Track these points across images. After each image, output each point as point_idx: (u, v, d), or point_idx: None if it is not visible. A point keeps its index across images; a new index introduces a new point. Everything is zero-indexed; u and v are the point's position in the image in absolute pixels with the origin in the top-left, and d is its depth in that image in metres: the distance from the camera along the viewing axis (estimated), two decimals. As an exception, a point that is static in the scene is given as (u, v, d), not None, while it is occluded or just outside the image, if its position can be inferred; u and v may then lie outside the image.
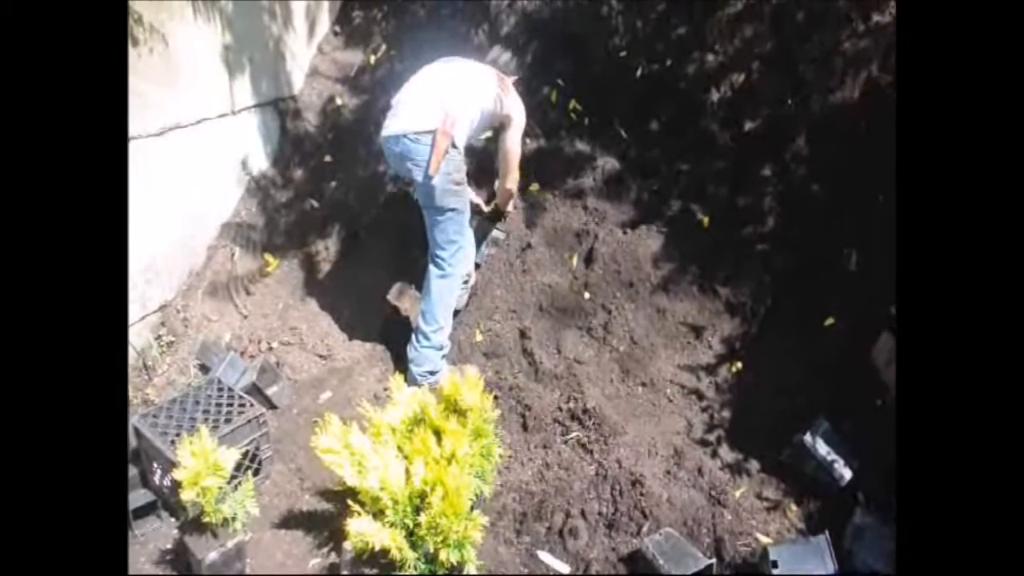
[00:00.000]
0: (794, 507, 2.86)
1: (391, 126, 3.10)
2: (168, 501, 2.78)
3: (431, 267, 3.21)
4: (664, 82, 4.01)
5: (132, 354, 3.30)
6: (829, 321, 3.30)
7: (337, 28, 4.48)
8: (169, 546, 2.69)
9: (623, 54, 4.07)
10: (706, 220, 3.67)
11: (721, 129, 3.88)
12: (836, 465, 2.88)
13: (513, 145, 3.26)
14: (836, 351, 3.25)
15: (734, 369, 3.31)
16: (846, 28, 3.74)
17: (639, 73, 4.03)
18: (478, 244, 3.56)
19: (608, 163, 3.92)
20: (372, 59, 4.30)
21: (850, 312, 3.30)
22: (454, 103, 3.04)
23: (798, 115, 3.74)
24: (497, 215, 3.64)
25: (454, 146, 3.02)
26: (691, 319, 3.47)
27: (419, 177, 3.04)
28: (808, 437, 2.91)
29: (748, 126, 3.85)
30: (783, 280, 3.48)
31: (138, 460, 2.92)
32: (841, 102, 3.67)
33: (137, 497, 2.79)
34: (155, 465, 2.77)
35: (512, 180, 3.39)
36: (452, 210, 3.09)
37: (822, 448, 2.90)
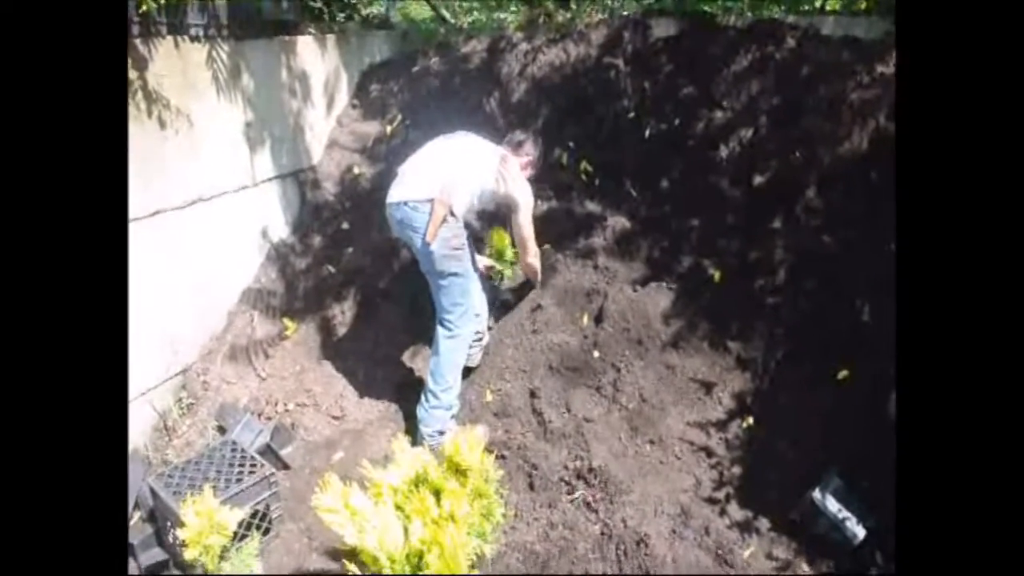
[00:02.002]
0: (806, 567, 2.76)
1: (393, 194, 3.21)
2: (179, 560, 2.84)
3: (439, 328, 3.27)
4: (673, 140, 4.08)
5: (154, 416, 3.42)
6: (843, 374, 3.23)
7: (355, 101, 4.68)
8: (178, 606, 2.74)
9: (631, 115, 4.17)
10: (717, 275, 3.67)
11: (731, 184, 3.91)
12: (848, 523, 2.78)
13: (524, 228, 3.37)
14: (851, 405, 3.18)
15: (745, 425, 3.25)
16: (851, 79, 3.77)
17: (648, 133, 4.11)
18: (489, 306, 3.63)
19: (618, 222, 3.97)
20: (388, 129, 4.48)
21: (864, 365, 3.24)
22: (452, 175, 3.15)
23: (807, 167, 3.75)
24: (529, 287, 3.80)
25: (452, 214, 3.10)
26: (701, 375, 3.44)
27: (419, 243, 3.13)
28: (818, 494, 2.83)
29: (757, 180, 3.86)
30: (795, 333, 3.44)
31: (154, 519, 3.01)
32: (849, 152, 3.67)
33: (150, 556, 2.88)
34: (169, 524, 2.85)
35: (532, 255, 3.52)
36: (453, 274, 3.16)
37: (832, 505, 2.81)
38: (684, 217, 3.92)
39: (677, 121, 4.11)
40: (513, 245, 3.70)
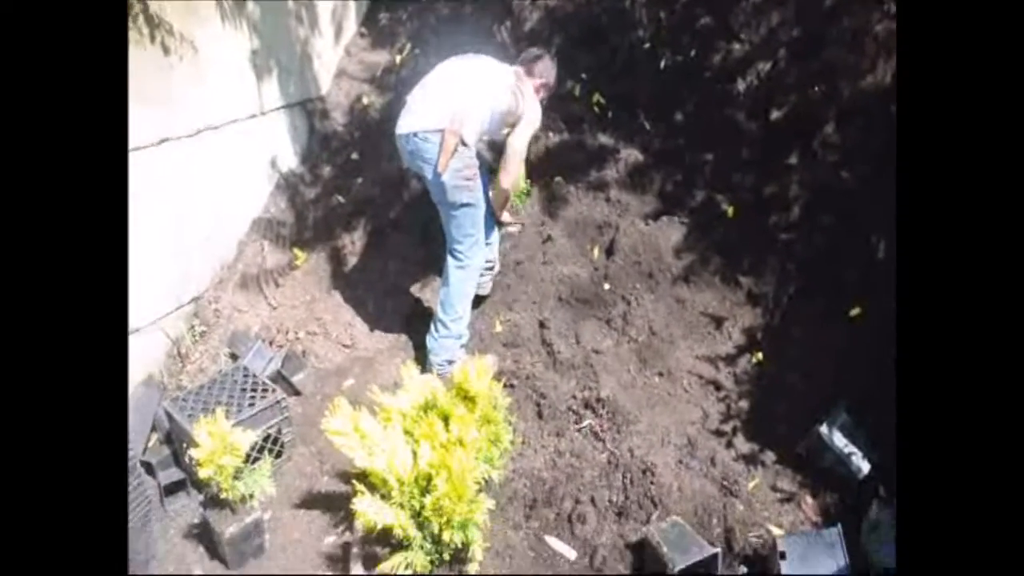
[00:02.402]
0: (810, 500, 2.80)
1: (403, 124, 3.13)
2: (195, 479, 2.90)
3: (449, 259, 3.25)
4: (689, 73, 3.98)
5: (167, 343, 3.46)
6: (855, 311, 3.22)
7: (363, 30, 4.59)
8: (196, 521, 2.82)
9: (647, 46, 4.07)
10: (730, 210, 3.63)
11: (747, 118, 3.83)
12: (854, 458, 2.81)
13: (517, 142, 3.16)
14: (862, 342, 3.17)
15: (755, 360, 3.26)
16: (876, 10, 3.65)
17: (663, 64, 4.02)
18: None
19: (631, 155, 3.91)
20: (397, 59, 4.39)
21: (877, 302, 3.21)
22: (463, 102, 3.03)
23: (826, 101, 3.66)
24: (496, 220, 3.51)
25: (464, 143, 3.03)
26: (712, 310, 3.44)
27: (430, 175, 3.08)
28: (825, 429, 2.84)
29: (775, 114, 3.79)
30: (808, 270, 3.41)
31: (170, 441, 3.08)
32: (872, 86, 3.58)
33: (169, 475, 2.95)
34: (184, 445, 2.90)
35: (508, 179, 3.24)
36: (465, 205, 3.11)
37: (839, 440, 2.83)
38: (698, 151, 3.86)
39: (693, 52, 4.01)
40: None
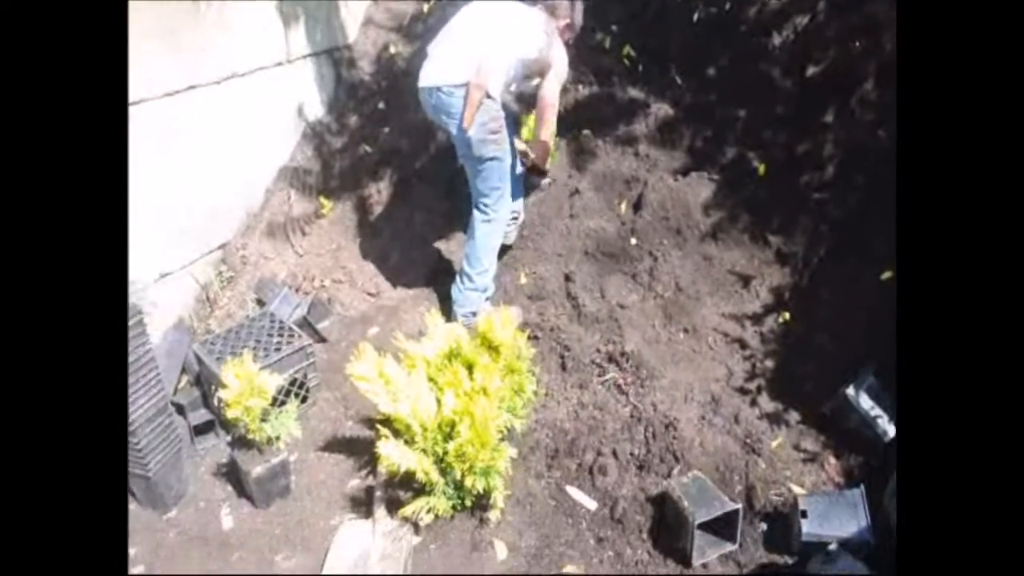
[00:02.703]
0: (833, 460, 2.78)
1: (425, 77, 3.07)
2: (224, 420, 2.95)
3: (475, 212, 3.23)
4: (722, 26, 3.89)
5: (196, 287, 3.49)
6: (887, 275, 3.15)
7: (392, -24, 4.51)
8: (224, 460, 2.88)
9: (680, -2, 3.96)
10: (762, 168, 3.56)
11: (782, 74, 3.74)
12: (880, 421, 2.78)
13: (550, 95, 3.12)
14: (892, 306, 3.10)
15: (782, 320, 3.23)
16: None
17: (696, 17, 3.93)
18: (525, 185, 3.55)
19: (661, 109, 3.84)
20: (425, 7, 4.32)
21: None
22: (489, 53, 2.95)
23: (866, 56, 3.55)
24: (537, 171, 3.50)
25: (489, 96, 2.97)
26: (739, 268, 3.40)
27: (454, 130, 3.03)
28: (851, 390, 2.81)
29: (811, 70, 3.69)
30: (840, 230, 3.35)
31: (199, 383, 3.13)
32: (916, 40, 3.46)
33: (198, 416, 3.01)
34: (213, 387, 2.95)
35: (548, 133, 3.23)
36: (492, 159, 3.07)
37: (866, 402, 2.80)
38: (730, 107, 3.78)
39: (728, 5, 3.91)
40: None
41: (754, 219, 3.48)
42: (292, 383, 2.95)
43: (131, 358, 2.48)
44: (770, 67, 3.77)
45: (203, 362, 2.99)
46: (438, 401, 2.52)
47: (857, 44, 3.61)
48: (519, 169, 3.36)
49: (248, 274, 3.55)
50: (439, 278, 3.58)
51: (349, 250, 3.71)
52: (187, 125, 3.30)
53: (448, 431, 2.50)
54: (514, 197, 3.36)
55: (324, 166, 3.98)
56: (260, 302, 3.48)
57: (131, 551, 2.53)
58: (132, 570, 2.50)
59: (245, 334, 3.10)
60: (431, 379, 2.66)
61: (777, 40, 3.79)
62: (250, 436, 2.61)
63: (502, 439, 2.58)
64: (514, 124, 3.36)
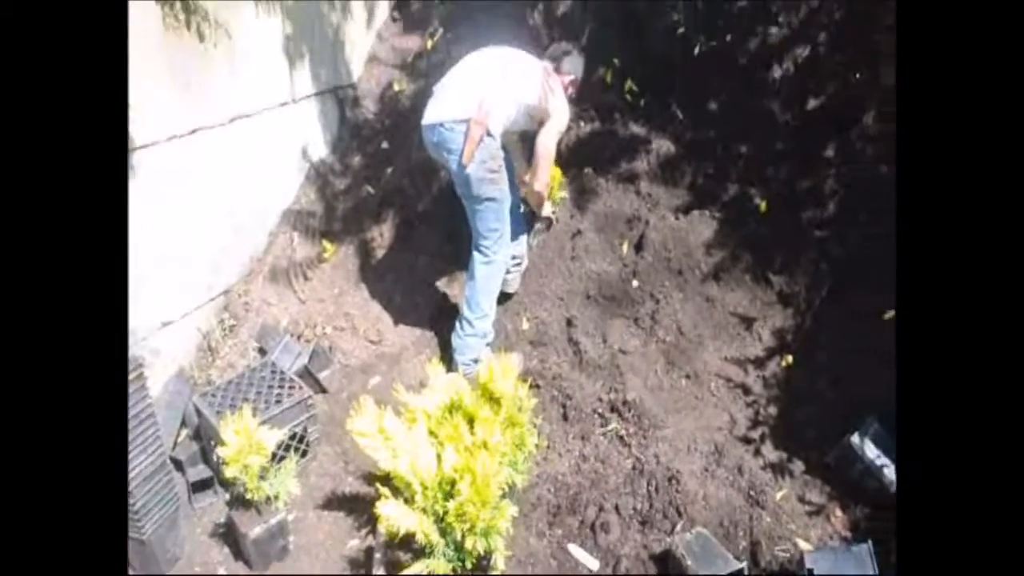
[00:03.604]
0: (839, 513, 2.74)
1: (429, 115, 3.10)
2: (222, 477, 2.95)
3: (475, 254, 3.22)
4: (723, 59, 3.86)
5: (197, 336, 3.50)
6: (890, 314, 3.12)
7: (395, 14, 4.52)
8: (221, 520, 2.87)
9: (680, 31, 3.94)
10: (763, 204, 3.54)
11: (783, 108, 3.72)
12: (886, 470, 2.73)
13: (547, 142, 3.12)
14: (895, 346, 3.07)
15: (784, 363, 3.20)
16: (925, -9, 3.48)
17: (697, 51, 3.90)
18: (529, 229, 3.55)
19: (663, 145, 3.82)
20: (429, 44, 4.32)
21: (914, 304, 3.11)
22: (490, 93, 2.99)
23: (868, 90, 3.52)
24: (536, 217, 3.55)
25: (489, 135, 2.98)
26: (741, 310, 3.37)
27: (454, 166, 3.04)
28: (856, 438, 2.78)
29: (812, 103, 3.67)
30: (842, 269, 3.32)
31: (199, 437, 3.13)
32: (919, 72, 3.43)
33: (196, 472, 3.00)
34: (212, 442, 2.95)
35: (541, 182, 3.24)
36: (490, 198, 3.07)
37: (871, 451, 2.76)
38: (731, 142, 3.76)
39: (729, 38, 3.88)
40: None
41: (756, 258, 3.45)
42: (292, 437, 2.95)
43: (131, 413, 2.48)
44: (770, 101, 3.75)
45: (203, 415, 2.99)
46: (439, 456, 2.50)
47: (857, 76, 3.58)
48: (524, 212, 3.39)
49: (250, 321, 3.56)
50: (442, 321, 3.56)
51: (351, 295, 3.70)
52: (191, 169, 3.31)
53: (449, 488, 2.48)
54: (515, 238, 3.35)
55: (327, 208, 3.98)
56: (262, 351, 3.48)
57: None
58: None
59: (246, 385, 3.10)
60: (432, 433, 2.64)
61: (777, 73, 3.77)
62: (248, 496, 2.60)
63: (503, 496, 2.55)
64: (524, 149, 3.36)
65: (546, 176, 3.23)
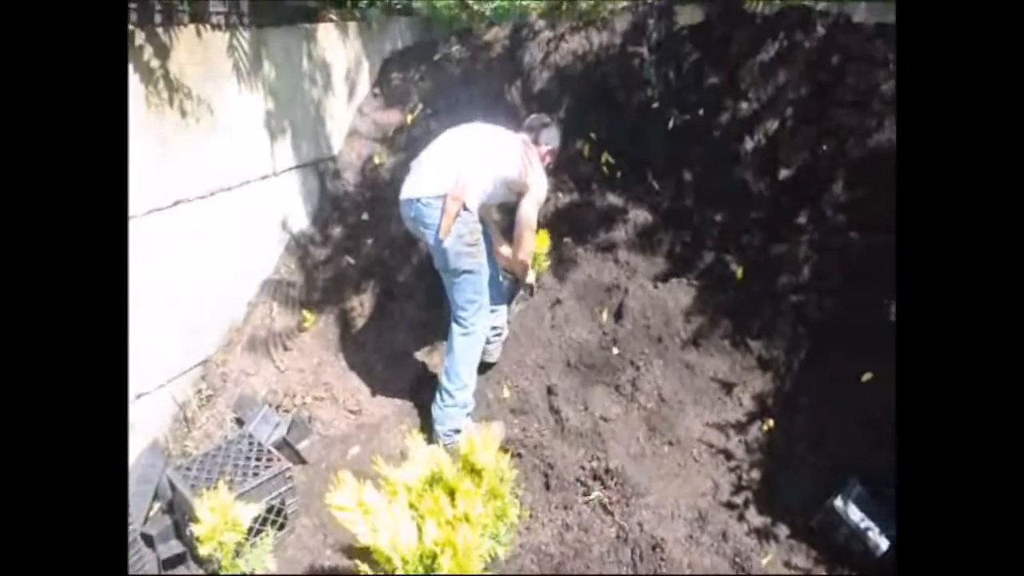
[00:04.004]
0: (825, 576, 2.72)
1: (406, 190, 3.14)
2: (196, 553, 2.86)
3: (453, 326, 3.23)
4: (697, 132, 3.99)
5: (173, 407, 3.45)
6: (867, 376, 3.16)
7: (376, 90, 4.65)
8: (195, 599, 2.77)
9: (655, 105, 4.08)
10: (740, 271, 3.60)
11: (755, 177, 3.83)
12: (870, 533, 2.72)
13: (527, 214, 3.20)
14: (875, 408, 3.10)
15: (765, 427, 3.20)
16: (883, 69, 3.66)
17: (671, 124, 4.03)
18: (510, 298, 3.58)
19: (640, 215, 3.90)
20: (409, 118, 4.43)
21: (890, 366, 3.14)
22: (467, 167, 3.05)
23: (835, 160, 3.65)
24: (522, 286, 3.63)
25: (466, 209, 3.04)
26: (722, 375, 3.39)
27: (432, 240, 3.08)
28: (839, 502, 2.77)
29: (783, 173, 3.78)
30: (819, 333, 3.36)
31: (172, 511, 3.04)
32: (880, 145, 3.57)
33: (168, 548, 2.91)
34: (186, 517, 2.87)
35: (525, 251, 3.30)
36: (467, 271, 3.10)
37: (855, 514, 2.75)
38: (707, 211, 3.84)
39: (702, 112, 4.03)
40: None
41: (734, 324, 3.49)
42: (269, 510, 2.88)
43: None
44: (744, 171, 3.86)
45: (177, 489, 2.91)
46: (419, 530, 2.45)
47: (824, 148, 3.71)
48: (504, 282, 3.42)
49: (228, 392, 3.52)
50: (422, 391, 3.54)
51: (331, 365, 3.69)
52: (171, 241, 3.33)
53: (430, 563, 2.42)
54: (495, 309, 3.37)
55: (307, 278, 4.00)
56: (239, 421, 3.43)
57: None
58: None
59: (222, 457, 3.04)
60: (412, 506, 2.59)
61: (749, 145, 3.89)
62: (223, 573, 2.52)
63: (485, 568, 2.50)
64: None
65: (529, 245, 3.29)
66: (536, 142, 3.35)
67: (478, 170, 3.09)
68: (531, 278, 3.60)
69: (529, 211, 3.19)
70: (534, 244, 3.37)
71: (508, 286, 3.59)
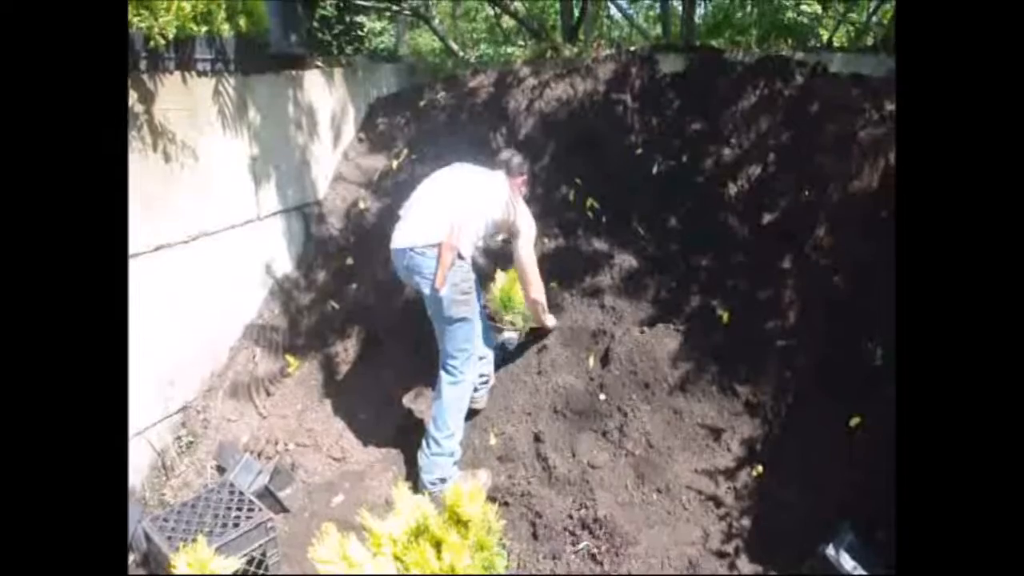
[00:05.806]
0: (818, 627, 2.67)
1: (398, 239, 3.14)
2: (172, 609, 2.77)
3: (442, 373, 3.20)
4: (681, 177, 4.04)
5: (151, 455, 3.37)
6: (855, 420, 3.15)
7: (362, 135, 4.67)
8: (170, 658, 2.66)
9: (639, 151, 4.14)
10: (725, 316, 3.61)
11: (740, 222, 3.87)
12: (863, 580, 2.69)
13: (526, 255, 3.27)
14: (864, 452, 3.09)
15: (754, 473, 3.17)
16: (860, 116, 3.74)
17: (656, 169, 4.08)
18: (495, 347, 3.57)
19: (626, 260, 3.92)
20: (394, 163, 4.45)
21: (878, 409, 3.16)
22: (459, 214, 3.06)
23: (816, 205, 3.70)
24: (541, 332, 3.68)
25: (460, 257, 3.04)
26: (709, 421, 3.36)
27: (427, 290, 3.06)
28: (831, 550, 2.73)
29: (767, 218, 3.82)
30: (806, 377, 3.36)
31: (147, 564, 2.95)
32: (859, 190, 3.63)
33: (143, 603, 2.81)
34: (162, 571, 2.78)
35: (536, 290, 3.36)
36: (462, 319, 3.10)
37: (847, 562, 2.72)
38: (692, 256, 3.87)
39: (685, 158, 4.08)
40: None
41: (721, 369, 3.48)
42: (250, 562, 2.80)
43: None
44: (728, 216, 3.90)
45: (152, 541, 2.83)
46: (404, 584, 2.39)
47: (807, 193, 3.77)
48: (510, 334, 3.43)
49: (209, 438, 3.45)
50: (407, 438, 3.49)
51: (315, 411, 3.63)
52: (153, 286, 3.29)
53: (414, 618, 2.36)
54: (483, 356, 3.35)
55: (291, 323, 3.96)
56: (220, 469, 3.35)
57: None
58: None
59: (201, 507, 2.96)
60: (398, 558, 2.53)
61: (733, 190, 3.94)
62: (201, 631, 2.44)
63: (471, 622, 2.43)
64: (484, 279, 3.42)
65: (537, 281, 3.35)
66: (511, 174, 3.38)
67: (470, 216, 3.11)
68: (551, 322, 3.62)
69: (526, 252, 3.26)
70: (541, 282, 3.41)
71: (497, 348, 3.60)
